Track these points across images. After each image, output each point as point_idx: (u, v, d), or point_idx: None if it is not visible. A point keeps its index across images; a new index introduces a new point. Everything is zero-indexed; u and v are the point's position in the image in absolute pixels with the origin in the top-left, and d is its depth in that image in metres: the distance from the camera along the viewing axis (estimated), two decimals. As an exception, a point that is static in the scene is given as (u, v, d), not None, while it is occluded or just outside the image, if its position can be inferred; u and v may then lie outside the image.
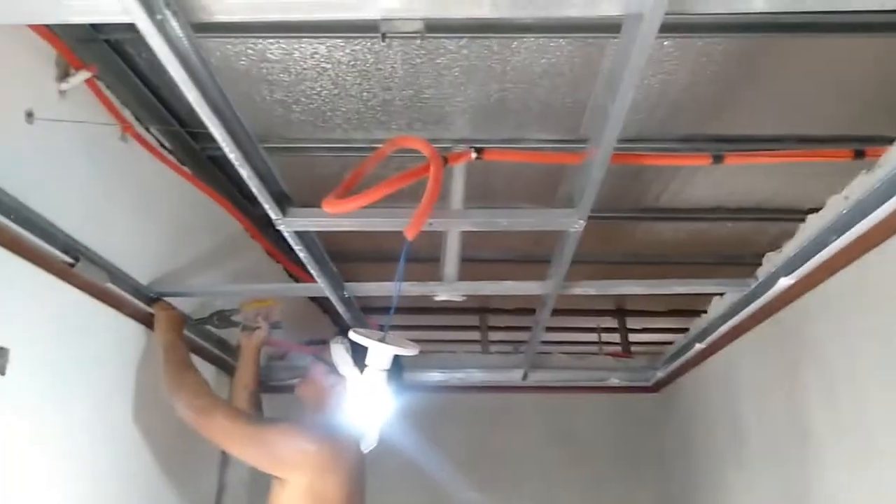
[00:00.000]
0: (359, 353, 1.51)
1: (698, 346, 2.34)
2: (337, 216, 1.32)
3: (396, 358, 1.48)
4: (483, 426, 3.18)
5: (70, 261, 1.42)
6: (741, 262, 2.27)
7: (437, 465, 3.03)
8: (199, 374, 1.69)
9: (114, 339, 1.65)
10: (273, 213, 1.35)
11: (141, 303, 1.73)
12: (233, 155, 1.16)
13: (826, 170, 1.88)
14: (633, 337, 3.67)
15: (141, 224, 1.74)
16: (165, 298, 1.81)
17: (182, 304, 1.88)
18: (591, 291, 1.87)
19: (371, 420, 1.66)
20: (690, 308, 2.90)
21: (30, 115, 1.32)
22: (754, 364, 2.03)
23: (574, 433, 3.15)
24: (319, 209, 1.29)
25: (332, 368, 1.79)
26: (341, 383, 1.75)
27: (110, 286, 1.57)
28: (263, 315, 2.06)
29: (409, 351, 1.44)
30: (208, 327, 2.04)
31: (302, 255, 1.54)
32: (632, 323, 3.67)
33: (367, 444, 1.74)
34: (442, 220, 1.48)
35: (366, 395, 1.51)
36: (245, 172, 1.21)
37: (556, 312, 2.05)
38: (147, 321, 1.76)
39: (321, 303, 3.21)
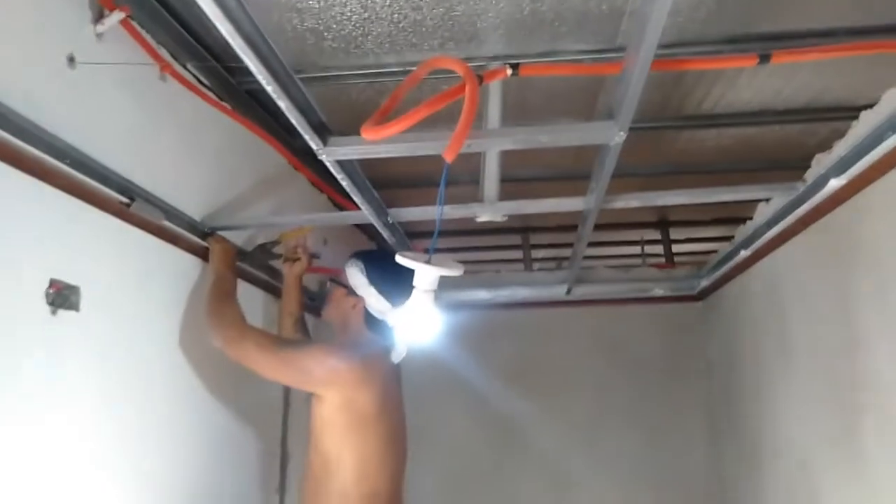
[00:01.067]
0: (403, 277, 1.54)
1: (743, 253, 2.32)
2: (376, 143, 1.33)
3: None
4: (530, 341, 3.26)
5: (126, 200, 1.48)
6: (788, 166, 2.20)
7: (486, 378, 3.14)
8: (238, 307, 1.75)
9: (173, 273, 1.72)
10: (314, 143, 1.37)
11: (196, 237, 1.79)
12: (270, 87, 1.17)
13: (880, 62, 1.79)
14: (676, 248, 3.65)
15: (187, 161, 1.78)
16: (218, 232, 1.87)
17: (233, 238, 1.95)
18: (634, 204, 1.86)
19: (418, 340, 1.72)
20: (735, 216, 2.85)
21: (71, 60, 1.35)
22: (802, 268, 2.01)
23: (619, 344, 3.21)
24: (359, 137, 1.30)
25: (351, 290, 1.88)
26: (361, 303, 1.86)
27: (166, 223, 1.64)
28: (302, 245, 2.13)
29: (455, 271, 1.47)
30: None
31: (344, 183, 1.56)
32: (675, 234, 3.64)
33: (397, 356, 1.85)
34: (480, 140, 1.48)
35: (415, 315, 1.55)
36: (284, 104, 1.22)
37: (599, 227, 2.05)
38: (203, 255, 1.84)
39: (366, 229, 3.26)
